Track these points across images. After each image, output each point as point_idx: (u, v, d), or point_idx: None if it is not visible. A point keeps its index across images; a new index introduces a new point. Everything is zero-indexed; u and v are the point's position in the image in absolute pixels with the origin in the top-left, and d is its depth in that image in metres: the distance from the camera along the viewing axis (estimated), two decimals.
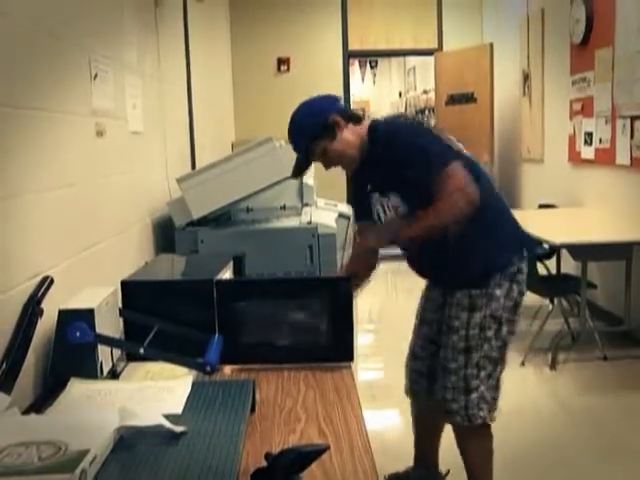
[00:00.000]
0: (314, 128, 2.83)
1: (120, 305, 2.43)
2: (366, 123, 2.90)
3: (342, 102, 3.00)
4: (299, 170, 2.97)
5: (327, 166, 2.94)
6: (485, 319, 2.83)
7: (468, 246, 2.83)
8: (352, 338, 2.38)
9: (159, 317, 2.32)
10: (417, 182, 2.68)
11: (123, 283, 2.43)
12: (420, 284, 3.13)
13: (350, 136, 2.83)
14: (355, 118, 2.88)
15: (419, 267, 3.05)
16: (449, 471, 3.31)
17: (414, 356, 3.18)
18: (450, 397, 2.88)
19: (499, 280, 2.83)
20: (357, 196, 3.08)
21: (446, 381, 2.89)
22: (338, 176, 6.00)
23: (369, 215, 2.95)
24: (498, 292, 2.83)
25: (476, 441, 3.00)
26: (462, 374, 2.85)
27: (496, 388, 2.91)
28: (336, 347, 2.36)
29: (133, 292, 2.42)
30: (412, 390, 3.21)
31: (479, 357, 2.84)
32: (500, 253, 2.88)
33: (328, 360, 2.35)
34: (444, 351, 2.92)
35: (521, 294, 2.91)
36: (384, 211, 2.89)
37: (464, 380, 2.85)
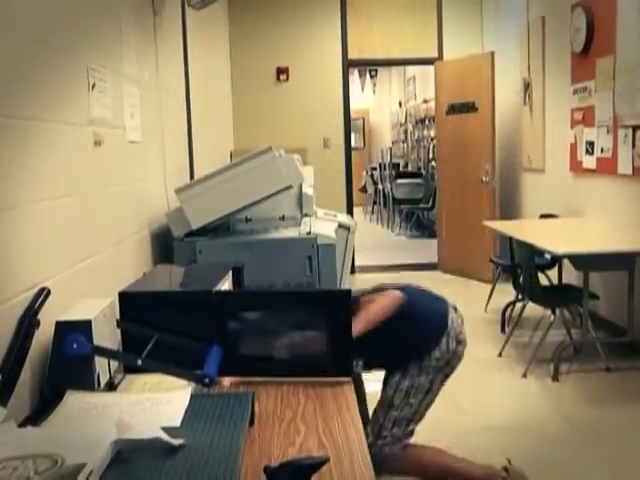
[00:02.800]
0: None
1: (118, 316, 2.41)
2: None
3: None
4: None
5: None
6: (411, 388, 3.08)
7: (400, 340, 3.09)
8: (351, 353, 2.36)
9: (157, 328, 2.30)
10: None
11: (121, 294, 2.41)
12: None
13: None
14: None
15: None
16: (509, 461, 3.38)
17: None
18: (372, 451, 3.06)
19: (436, 363, 3.09)
20: None
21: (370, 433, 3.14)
22: (338, 187, 6.03)
23: None
24: (430, 369, 3.09)
25: (405, 464, 3.19)
26: (380, 421, 3.12)
27: (402, 437, 3.15)
28: (335, 361, 2.33)
29: (131, 303, 2.39)
30: None
31: (396, 415, 3.10)
32: (430, 337, 3.13)
33: (327, 374, 2.33)
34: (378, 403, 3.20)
35: (452, 369, 3.17)
36: None
37: (379, 427, 3.12)
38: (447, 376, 3.17)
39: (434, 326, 3.14)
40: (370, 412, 3.26)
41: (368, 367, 3.19)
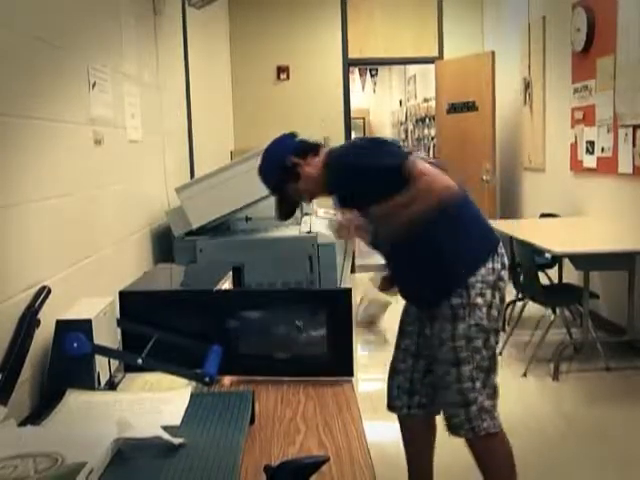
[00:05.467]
0: (277, 175, 2.88)
1: (118, 315, 2.41)
2: (324, 150, 2.92)
3: (295, 138, 2.99)
4: (285, 212, 3.01)
5: (308, 200, 3.03)
6: (470, 329, 2.78)
7: (439, 251, 2.80)
8: (352, 353, 2.36)
9: (157, 328, 2.30)
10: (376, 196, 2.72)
11: (121, 293, 2.41)
12: None
13: (312, 170, 2.85)
14: (311, 149, 2.90)
15: (401, 288, 3.06)
16: None
17: (395, 371, 3.14)
18: (451, 413, 2.85)
19: (480, 289, 2.78)
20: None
21: (445, 397, 2.86)
22: None
23: None
24: (480, 301, 2.78)
25: (491, 451, 2.91)
26: (457, 388, 2.80)
27: (493, 395, 2.86)
28: (336, 361, 2.33)
29: (131, 302, 2.40)
30: (394, 407, 3.17)
31: (471, 369, 2.79)
32: (472, 253, 2.84)
33: (327, 374, 2.32)
34: (438, 366, 2.88)
35: (502, 301, 2.88)
36: None
37: (461, 394, 2.80)
38: (499, 311, 2.86)
39: (485, 239, 2.91)
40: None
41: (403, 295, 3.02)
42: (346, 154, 2.85)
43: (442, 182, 2.66)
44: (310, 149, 2.90)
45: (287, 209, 3.00)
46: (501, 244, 2.93)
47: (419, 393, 3.08)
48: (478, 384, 2.80)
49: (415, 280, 2.92)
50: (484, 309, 2.79)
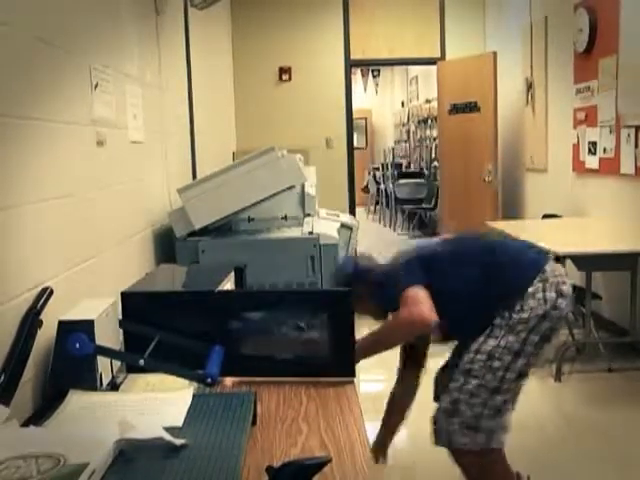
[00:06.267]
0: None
1: (120, 316, 2.41)
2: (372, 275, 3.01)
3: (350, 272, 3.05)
4: None
5: None
6: (497, 349, 2.77)
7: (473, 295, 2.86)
8: (353, 353, 2.36)
9: (159, 328, 2.30)
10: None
11: (123, 294, 2.41)
12: None
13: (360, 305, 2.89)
14: (362, 292, 2.90)
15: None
16: (529, 477, 3.20)
17: (445, 364, 3.19)
18: (435, 417, 2.86)
19: (526, 320, 2.78)
20: None
21: (441, 401, 2.88)
22: (340, 187, 6.04)
23: None
24: (520, 327, 2.77)
25: (475, 467, 2.89)
26: (455, 396, 2.81)
27: (494, 416, 2.81)
28: (337, 362, 2.33)
29: (133, 303, 2.39)
30: (438, 397, 3.20)
31: (476, 384, 2.78)
32: (521, 284, 2.85)
33: (329, 375, 2.32)
34: (451, 371, 2.91)
35: (552, 330, 2.85)
36: None
37: (453, 404, 2.81)
38: (545, 338, 2.83)
39: (525, 271, 2.89)
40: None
41: (445, 338, 3.03)
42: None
43: (420, 317, 2.71)
44: (362, 293, 2.88)
45: None
46: (559, 272, 2.94)
47: None
48: (476, 400, 2.79)
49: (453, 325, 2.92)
50: (522, 334, 2.78)
